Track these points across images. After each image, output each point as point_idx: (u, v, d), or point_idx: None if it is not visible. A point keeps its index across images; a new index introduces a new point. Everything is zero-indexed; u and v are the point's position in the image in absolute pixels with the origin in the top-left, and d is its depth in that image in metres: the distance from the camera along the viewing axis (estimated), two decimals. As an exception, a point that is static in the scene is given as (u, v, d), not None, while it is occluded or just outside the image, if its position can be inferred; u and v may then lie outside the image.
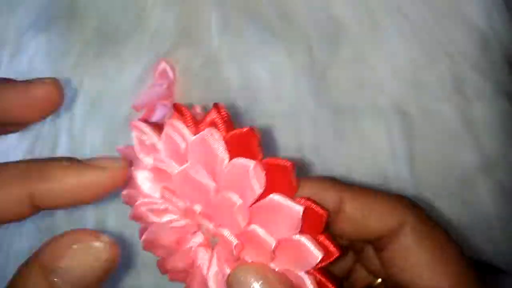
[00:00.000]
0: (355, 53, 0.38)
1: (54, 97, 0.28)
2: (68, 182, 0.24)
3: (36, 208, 0.24)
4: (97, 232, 0.23)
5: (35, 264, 0.22)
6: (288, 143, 0.37)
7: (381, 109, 0.38)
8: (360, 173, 0.37)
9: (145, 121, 0.27)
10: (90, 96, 0.38)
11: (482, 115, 0.39)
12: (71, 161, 0.25)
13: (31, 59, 0.38)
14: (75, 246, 0.22)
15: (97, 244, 0.22)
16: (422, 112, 0.38)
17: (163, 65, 0.37)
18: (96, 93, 0.38)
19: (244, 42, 0.37)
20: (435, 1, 0.39)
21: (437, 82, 0.39)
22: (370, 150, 0.38)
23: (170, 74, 0.37)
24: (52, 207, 0.25)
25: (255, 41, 0.37)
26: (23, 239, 0.38)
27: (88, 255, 0.22)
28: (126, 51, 0.38)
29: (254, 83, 0.37)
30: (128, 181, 0.27)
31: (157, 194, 0.26)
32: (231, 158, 0.24)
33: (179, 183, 0.25)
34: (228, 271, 0.24)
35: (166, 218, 0.26)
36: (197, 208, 0.25)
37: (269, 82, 0.37)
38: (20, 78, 0.39)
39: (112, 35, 0.38)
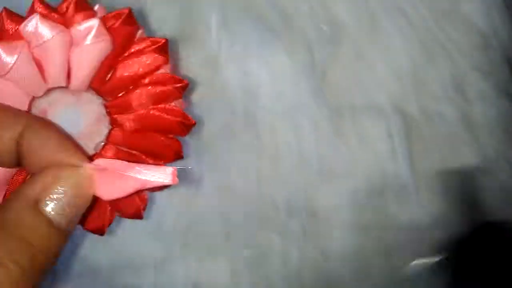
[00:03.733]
0: (355, 53, 0.38)
1: None
2: (53, 143, 0.25)
3: (16, 160, 0.26)
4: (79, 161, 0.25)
5: (23, 197, 0.24)
6: (288, 143, 0.37)
7: (381, 109, 0.38)
8: (360, 173, 0.37)
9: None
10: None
11: (482, 115, 0.39)
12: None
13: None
14: (59, 176, 0.24)
15: (80, 172, 0.25)
16: (422, 112, 0.38)
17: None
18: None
19: (244, 42, 0.37)
20: (435, 1, 0.39)
21: (437, 82, 0.39)
22: (370, 150, 0.38)
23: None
24: (27, 163, 0.25)
25: (255, 41, 0.38)
26: None
27: (72, 184, 0.24)
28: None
29: (254, 83, 0.37)
30: None
31: None
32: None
33: None
34: None
35: None
36: None
37: (269, 82, 0.37)
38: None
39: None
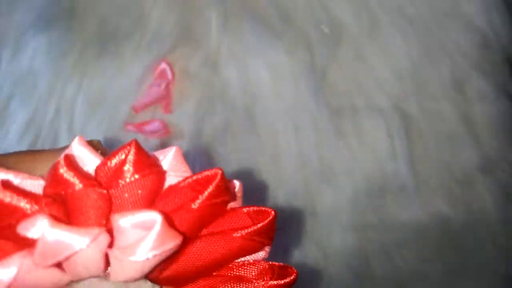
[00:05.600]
0: (355, 53, 0.38)
1: None
2: None
3: None
4: None
5: None
6: (288, 143, 0.37)
7: (381, 109, 0.38)
8: (360, 172, 0.37)
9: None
10: (90, 96, 0.38)
11: (482, 115, 0.39)
12: None
13: (31, 59, 0.38)
14: None
15: None
16: (422, 112, 0.38)
17: (162, 65, 0.37)
18: (96, 93, 0.38)
19: (244, 42, 0.37)
20: (435, 1, 0.39)
21: (437, 82, 0.39)
22: (370, 150, 0.38)
23: (169, 74, 0.37)
24: None
25: (255, 41, 0.38)
26: None
27: None
28: (126, 51, 0.38)
29: (254, 83, 0.37)
30: None
31: None
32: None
33: None
34: None
35: None
36: None
37: (269, 82, 0.37)
38: (20, 78, 0.39)
39: (112, 35, 0.38)
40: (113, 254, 0.16)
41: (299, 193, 0.37)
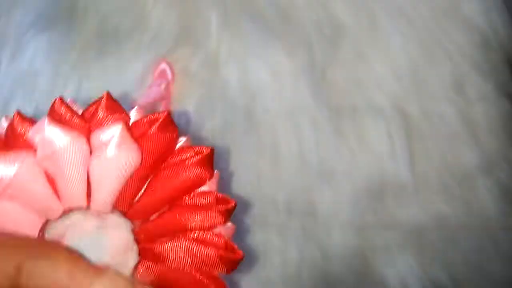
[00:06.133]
0: (355, 53, 0.38)
1: None
2: (62, 271, 0.19)
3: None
4: None
5: None
6: (288, 143, 0.37)
7: (381, 109, 0.38)
8: (360, 173, 0.37)
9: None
10: (90, 96, 0.38)
11: (482, 115, 0.39)
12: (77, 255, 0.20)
13: (31, 59, 0.38)
14: None
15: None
16: (422, 112, 0.38)
17: (162, 65, 0.37)
18: (96, 93, 0.38)
19: (244, 42, 0.37)
20: (435, 1, 0.39)
21: (437, 82, 0.39)
22: (370, 150, 0.38)
23: (169, 74, 0.37)
24: None
25: (255, 41, 0.38)
26: None
27: None
28: (126, 51, 0.38)
29: (254, 83, 0.37)
30: None
31: None
32: None
33: None
34: None
35: None
36: None
37: (269, 82, 0.37)
38: (20, 78, 0.39)
39: (112, 35, 0.38)
40: (92, 165, 0.21)
41: (299, 193, 0.37)
